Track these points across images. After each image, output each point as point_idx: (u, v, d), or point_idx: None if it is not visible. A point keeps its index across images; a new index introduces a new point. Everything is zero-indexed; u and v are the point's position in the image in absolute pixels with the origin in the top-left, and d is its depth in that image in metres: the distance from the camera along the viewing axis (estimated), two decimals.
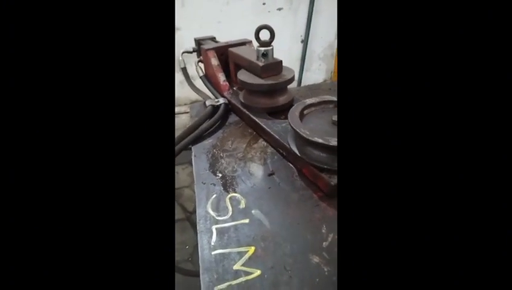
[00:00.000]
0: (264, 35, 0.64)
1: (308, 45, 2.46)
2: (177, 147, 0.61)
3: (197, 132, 0.66)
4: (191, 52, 0.93)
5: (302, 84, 2.67)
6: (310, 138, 0.47)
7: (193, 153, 0.62)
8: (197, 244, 0.42)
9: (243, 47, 0.82)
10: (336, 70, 2.58)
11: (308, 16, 2.34)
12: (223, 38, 0.97)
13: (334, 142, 0.45)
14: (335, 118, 0.53)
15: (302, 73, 2.59)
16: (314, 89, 0.94)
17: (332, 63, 2.61)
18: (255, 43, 0.89)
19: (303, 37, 2.46)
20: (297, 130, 0.49)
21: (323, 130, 0.52)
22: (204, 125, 0.68)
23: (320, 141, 0.46)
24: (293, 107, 0.57)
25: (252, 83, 0.66)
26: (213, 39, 1.00)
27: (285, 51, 2.50)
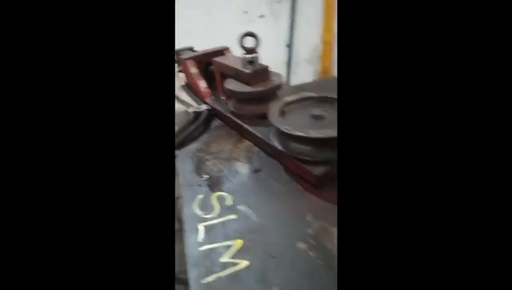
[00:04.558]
0: (248, 42, 0.65)
1: (293, 48, 2.51)
2: None
3: (181, 137, 0.67)
4: None
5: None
6: (291, 133, 0.48)
7: (177, 158, 0.63)
8: None
9: (229, 56, 0.83)
10: (324, 70, 2.62)
11: (291, 21, 2.39)
12: (208, 48, 0.98)
13: (313, 134, 0.47)
14: (314, 112, 0.55)
15: (289, 76, 2.63)
16: (301, 88, 0.95)
17: (318, 65, 2.66)
18: (233, 50, 0.90)
19: (288, 42, 2.51)
20: (278, 126, 0.51)
21: (303, 125, 0.53)
22: (188, 131, 0.69)
23: (300, 134, 0.47)
24: (272, 105, 0.59)
25: (242, 92, 0.65)
26: (191, 49, 1.02)
27: (271, 57, 2.54)
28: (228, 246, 0.41)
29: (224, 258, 0.39)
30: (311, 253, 0.39)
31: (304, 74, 2.68)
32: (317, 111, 0.55)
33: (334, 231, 0.42)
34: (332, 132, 0.46)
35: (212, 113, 0.78)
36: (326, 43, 2.49)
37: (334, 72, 2.64)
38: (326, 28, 2.44)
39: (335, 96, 0.60)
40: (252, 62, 0.66)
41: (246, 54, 0.65)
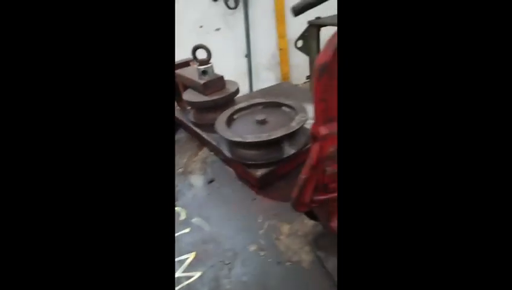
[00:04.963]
0: (201, 54, 0.67)
1: (252, 58, 2.58)
2: None
3: None
4: None
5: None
6: (231, 139, 0.50)
7: None
8: None
9: (189, 68, 0.84)
10: (283, 77, 2.72)
11: (246, 32, 2.47)
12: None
13: (250, 138, 0.49)
14: (258, 117, 0.57)
15: (251, 84, 2.69)
16: (265, 93, 0.98)
17: (278, 71, 2.76)
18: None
19: (246, 52, 2.58)
20: (221, 133, 0.52)
21: (248, 131, 0.55)
22: None
23: (239, 139, 0.49)
24: (222, 113, 0.60)
25: (196, 102, 0.67)
26: None
27: (233, 67, 2.60)
28: (182, 261, 0.41)
29: (178, 273, 0.39)
30: (261, 253, 0.40)
31: (266, 81, 2.76)
32: (261, 116, 0.58)
33: (283, 227, 0.44)
34: (267, 136, 0.49)
35: (178, 123, 0.79)
36: (282, 50, 2.59)
37: (292, 77, 2.75)
38: (280, 35, 2.55)
39: (281, 100, 0.63)
40: (205, 72, 0.68)
41: (200, 65, 0.68)
